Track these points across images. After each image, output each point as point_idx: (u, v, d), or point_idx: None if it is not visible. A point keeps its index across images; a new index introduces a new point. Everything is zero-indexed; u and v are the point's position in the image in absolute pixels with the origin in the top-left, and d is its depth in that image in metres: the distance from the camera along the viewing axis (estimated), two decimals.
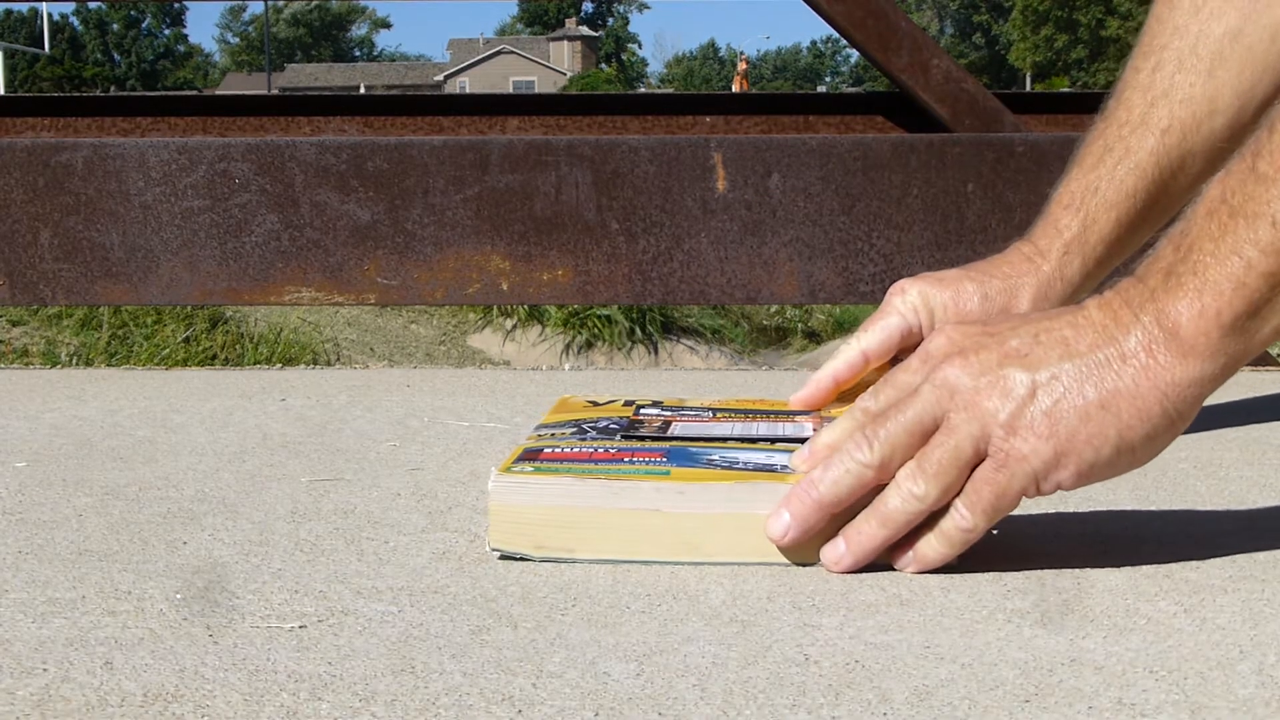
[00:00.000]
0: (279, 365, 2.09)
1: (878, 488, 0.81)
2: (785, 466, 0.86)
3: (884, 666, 0.67)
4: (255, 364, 4.40)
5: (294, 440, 1.28)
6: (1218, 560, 0.86)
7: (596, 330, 7.56)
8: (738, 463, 0.87)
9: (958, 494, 0.80)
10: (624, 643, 0.70)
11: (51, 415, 1.42)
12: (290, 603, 0.77)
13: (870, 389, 0.86)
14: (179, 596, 0.78)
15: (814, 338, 8.95)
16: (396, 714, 0.61)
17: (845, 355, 0.99)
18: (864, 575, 0.82)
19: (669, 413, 1.04)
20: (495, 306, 7.51)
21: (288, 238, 1.92)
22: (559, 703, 0.62)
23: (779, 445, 0.93)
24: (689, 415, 1.04)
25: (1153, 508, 1.00)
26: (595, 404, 1.10)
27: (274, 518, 0.97)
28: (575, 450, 0.90)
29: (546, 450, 0.90)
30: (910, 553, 0.82)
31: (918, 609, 0.76)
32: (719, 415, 1.03)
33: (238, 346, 4.85)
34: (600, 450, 0.90)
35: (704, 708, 0.62)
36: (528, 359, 7.24)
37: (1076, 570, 0.83)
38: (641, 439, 0.94)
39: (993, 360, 0.80)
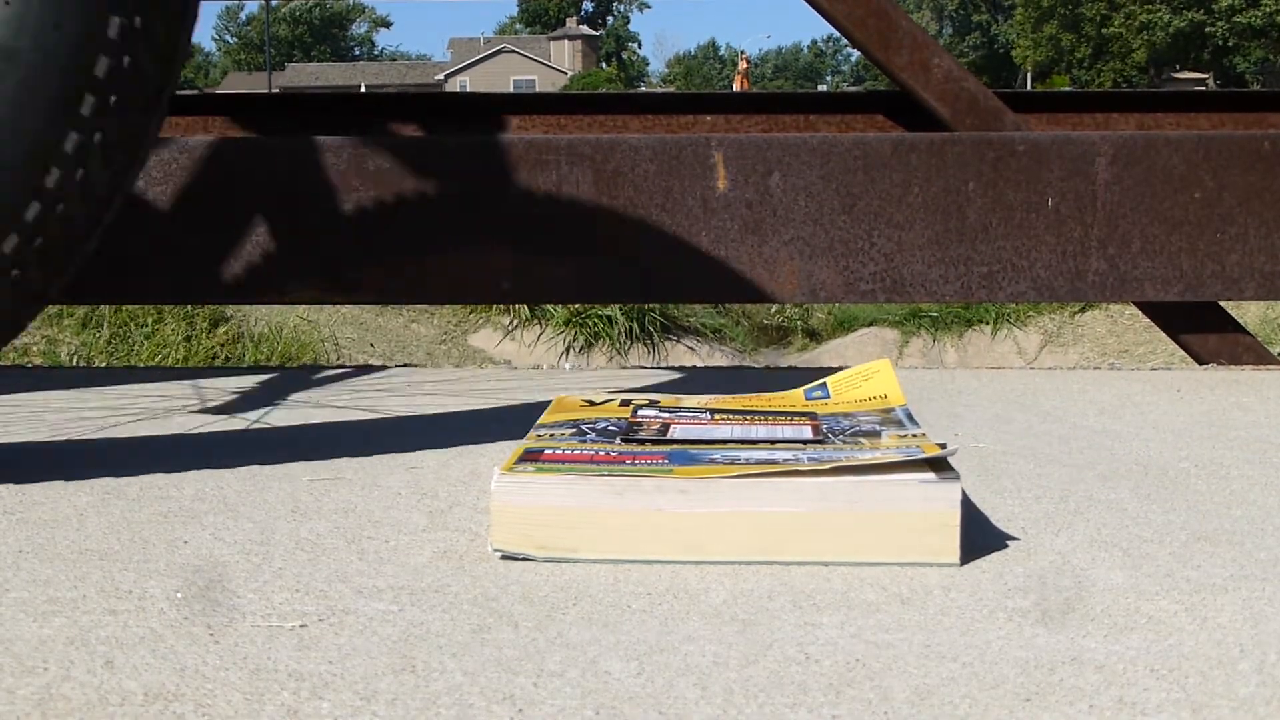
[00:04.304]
0: (279, 364, 2.08)
1: None
2: (787, 461, 0.86)
3: (885, 665, 0.67)
4: (255, 363, 4.41)
5: (294, 439, 1.28)
6: (1218, 560, 0.86)
7: (597, 330, 7.55)
8: (739, 459, 0.87)
9: None
10: (624, 641, 0.70)
11: (52, 415, 1.42)
12: (291, 602, 0.77)
13: None
14: (180, 595, 0.78)
15: (814, 337, 8.94)
16: (397, 713, 0.61)
17: None
18: (864, 574, 0.82)
19: (667, 414, 1.04)
20: (495, 306, 7.51)
21: (288, 237, 1.91)
22: (560, 701, 0.62)
23: (779, 446, 0.93)
24: (687, 417, 1.04)
25: (1154, 506, 1.00)
26: (592, 403, 1.10)
27: (274, 517, 0.97)
28: (577, 453, 0.90)
29: (548, 451, 0.90)
30: None
31: (918, 608, 0.76)
32: (717, 417, 1.04)
33: (238, 346, 4.84)
34: (601, 454, 0.90)
35: (704, 707, 0.62)
36: (528, 358, 7.23)
37: (1076, 569, 0.83)
38: (641, 442, 0.94)
39: None
